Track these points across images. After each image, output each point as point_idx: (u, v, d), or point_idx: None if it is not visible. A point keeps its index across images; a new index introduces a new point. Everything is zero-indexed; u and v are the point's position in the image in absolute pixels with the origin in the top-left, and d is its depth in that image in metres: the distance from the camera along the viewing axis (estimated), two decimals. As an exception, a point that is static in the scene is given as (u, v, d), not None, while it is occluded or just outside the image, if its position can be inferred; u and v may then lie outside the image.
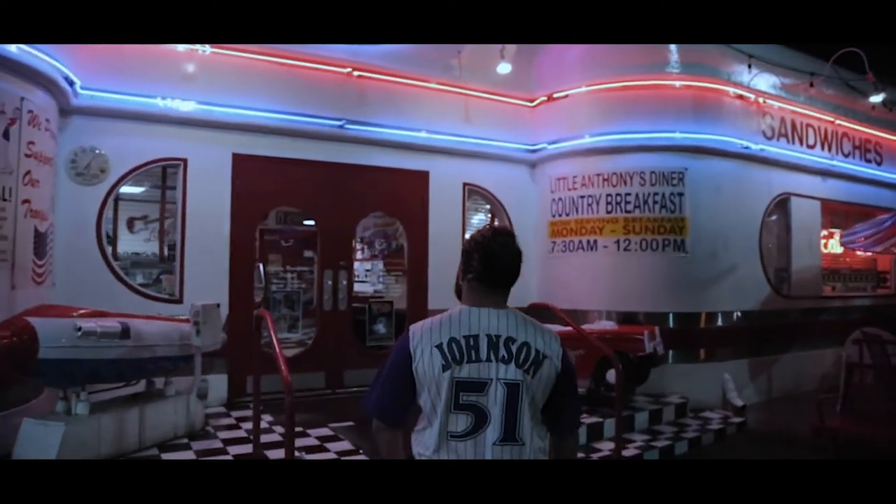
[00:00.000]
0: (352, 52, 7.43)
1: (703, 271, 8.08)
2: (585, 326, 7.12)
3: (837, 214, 10.47)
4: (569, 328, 6.40)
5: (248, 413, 5.91)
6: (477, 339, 2.03)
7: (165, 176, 7.15)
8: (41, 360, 4.25)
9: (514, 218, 8.78)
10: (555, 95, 8.65)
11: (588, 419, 6.39)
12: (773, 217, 9.19)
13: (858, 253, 10.52)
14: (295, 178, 7.36)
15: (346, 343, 7.62)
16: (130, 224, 10.21)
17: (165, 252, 7.71)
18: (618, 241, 8.12)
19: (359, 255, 10.74)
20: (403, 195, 8.07)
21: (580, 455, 5.63)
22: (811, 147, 9.48)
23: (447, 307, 2.18)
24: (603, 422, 6.38)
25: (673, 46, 8.09)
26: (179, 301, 6.56)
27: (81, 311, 4.71)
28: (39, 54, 5.24)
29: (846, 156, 10.08)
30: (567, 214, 8.56)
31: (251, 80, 6.95)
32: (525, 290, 7.58)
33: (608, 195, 8.20)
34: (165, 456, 5.03)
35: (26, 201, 5.09)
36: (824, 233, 10.14)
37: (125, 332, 4.77)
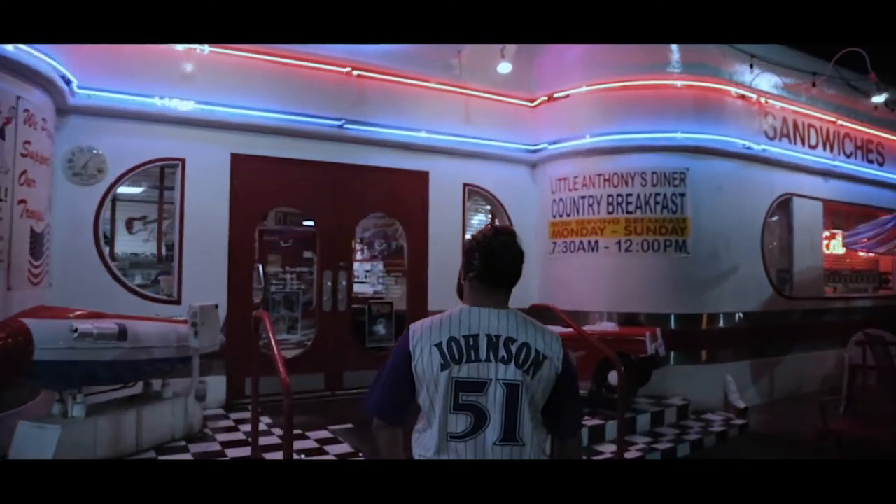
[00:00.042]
0: (351, 51, 7.39)
1: (705, 272, 8.03)
2: (586, 328, 7.07)
3: (839, 215, 10.43)
4: (570, 329, 6.34)
5: (247, 415, 5.84)
6: (476, 339, 2.03)
7: (163, 176, 7.10)
8: (36, 361, 4.20)
9: (514, 218, 8.73)
10: (555, 95, 8.61)
11: (589, 421, 6.34)
12: (775, 218, 9.14)
13: (860, 254, 10.50)
14: (294, 179, 7.31)
15: (345, 344, 7.57)
16: (129, 225, 10.17)
17: (163, 253, 7.65)
18: (619, 242, 8.08)
19: (358, 255, 10.69)
20: (403, 195, 8.02)
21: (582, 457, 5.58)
22: (813, 147, 9.44)
23: (447, 308, 2.16)
24: (604, 424, 6.33)
25: (674, 46, 8.05)
26: (177, 302, 6.52)
27: (78, 313, 4.66)
28: (36, 53, 5.19)
29: (848, 156, 10.03)
30: (568, 215, 8.51)
31: (250, 80, 6.91)
32: (526, 291, 7.52)
33: (609, 196, 8.16)
34: (163, 459, 4.98)
35: (22, 201, 5.04)
36: (826, 233, 10.09)
37: (122, 334, 4.72)
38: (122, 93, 6.25)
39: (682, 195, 7.95)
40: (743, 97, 8.42)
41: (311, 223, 8.91)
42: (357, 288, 9.37)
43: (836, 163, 9.75)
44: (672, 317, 7.96)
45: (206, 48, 6.65)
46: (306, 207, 7.99)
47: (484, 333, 2.04)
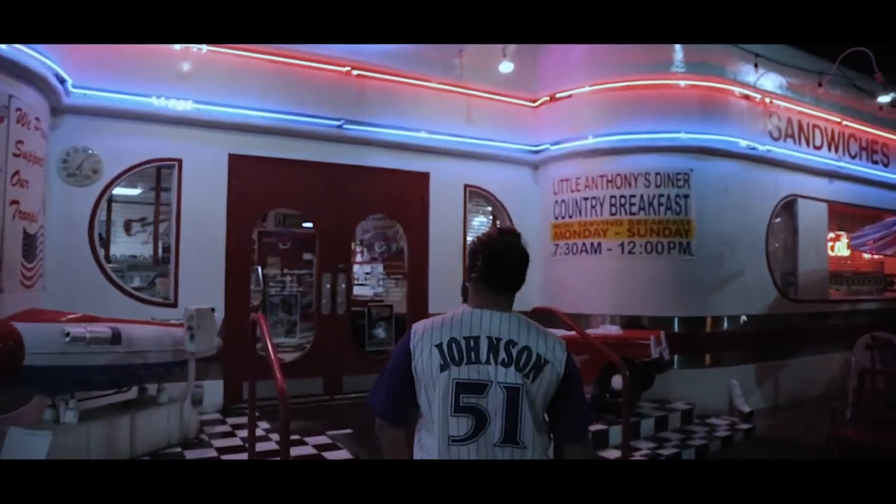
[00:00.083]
0: (351, 50, 7.29)
1: (709, 274, 7.93)
2: (589, 331, 6.97)
3: (844, 217, 10.32)
4: (573, 333, 6.25)
5: (245, 420, 5.73)
6: (477, 341, 2.02)
7: (160, 177, 6.99)
8: (27, 367, 4.09)
9: (516, 220, 8.63)
10: (558, 95, 8.51)
11: (593, 427, 6.23)
12: (778, 219, 9.03)
13: (865, 256, 10.41)
14: (292, 179, 7.22)
15: (344, 348, 7.46)
16: (128, 226, 10.06)
17: (160, 255, 7.55)
18: (622, 244, 7.97)
19: (358, 257, 10.60)
20: (403, 197, 7.92)
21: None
22: (818, 148, 9.34)
23: (447, 311, 2.13)
24: (608, 429, 6.23)
25: (678, 46, 7.95)
26: (174, 305, 6.41)
27: (70, 316, 4.55)
28: (29, 51, 5.09)
29: (853, 157, 9.93)
30: (570, 216, 8.41)
31: (248, 79, 6.81)
32: (527, 294, 7.37)
33: (612, 197, 8.05)
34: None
35: (14, 202, 4.94)
36: (831, 235, 9.99)
37: (116, 338, 4.61)
38: (117, 92, 6.15)
39: (686, 196, 7.85)
40: (747, 97, 8.33)
41: (310, 225, 8.81)
42: (357, 290, 9.29)
43: (842, 164, 9.65)
44: (675, 320, 7.85)
45: (204, 47, 6.55)
46: (305, 209, 7.89)
47: (485, 335, 2.03)
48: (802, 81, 9.01)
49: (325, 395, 7.24)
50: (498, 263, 2.07)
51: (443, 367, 2.00)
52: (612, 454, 5.93)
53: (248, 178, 6.90)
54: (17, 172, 4.96)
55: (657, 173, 7.89)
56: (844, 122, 9.76)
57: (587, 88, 8.23)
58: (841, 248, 10.31)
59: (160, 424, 5.24)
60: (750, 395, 7.99)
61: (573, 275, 8.30)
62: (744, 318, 8.18)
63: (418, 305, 7.87)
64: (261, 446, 5.29)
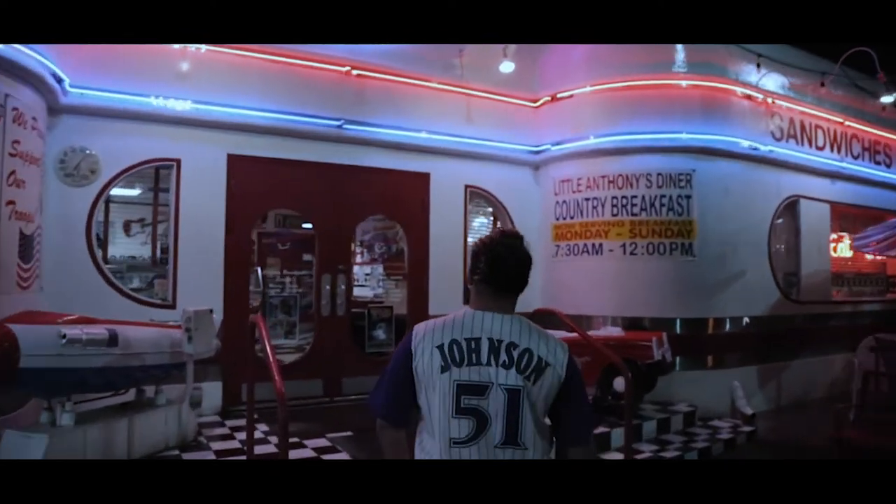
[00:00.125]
0: (351, 50, 7.24)
1: (711, 275, 7.88)
2: (591, 332, 6.91)
3: (846, 218, 10.28)
4: (574, 334, 6.22)
5: (244, 422, 5.68)
6: (478, 342, 2.02)
7: (158, 177, 6.94)
8: (22, 369, 4.04)
9: (516, 221, 8.58)
10: (559, 95, 8.46)
11: (595, 429, 6.18)
12: (780, 220, 8.96)
13: (867, 257, 10.36)
14: (292, 180, 7.17)
15: (344, 349, 7.41)
16: (127, 227, 10.01)
17: (158, 256, 7.50)
18: (624, 245, 7.92)
19: (358, 258, 10.54)
20: (403, 197, 7.87)
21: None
22: (820, 149, 9.29)
23: (448, 312, 2.12)
24: (610, 431, 6.18)
25: (679, 45, 7.89)
26: (172, 306, 6.36)
27: (67, 318, 4.51)
28: (26, 50, 5.04)
29: (856, 158, 9.88)
30: (571, 217, 8.36)
31: (247, 79, 6.76)
32: (528, 295, 7.31)
33: (614, 197, 8.00)
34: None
35: (11, 202, 4.89)
36: (833, 236, 9.94)
37: (113, 340, 4.55)
38: (115, 92, 6.10)
39: (689, 197, 7.80)
40: (749, 97, 8.28)
41: (310, 226, 8.76)
42: (357, 291, 9.24)
43: (844, 164, 9.60)
44: (678, 321, 7.79)
45: (203, 47, 6.50)
46: (304, 209, 7.84)
47: (486, 337, 2.02)
48: (804, 81, 8.96)
49: (324, 397, 7.19)
50: (500, 266, 2.07)
51: (444, 369, 2.00)
52: (615, 457, 5.88)
53: (247, 178, 6.85)
54: (13, 172, 4.91)
55: (659, 174, 7.83)
56: (847, 123, 9.71)
57: (588, 88, 8.18)
58: (843, 249, 10.25)
59: (158, 427, 5.19)
60: (752, 397, 7.93)
61: (574, 276, 8.24)
62: (746, 319, 8.13)
63: (418, 307, 7.81)
64: (259, 449, 5.24)
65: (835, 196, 9.61)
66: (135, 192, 8.45)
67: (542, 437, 2.05)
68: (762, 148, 8.28)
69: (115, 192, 7.13)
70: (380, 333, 8.04)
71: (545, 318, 6.62)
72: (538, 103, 8.70)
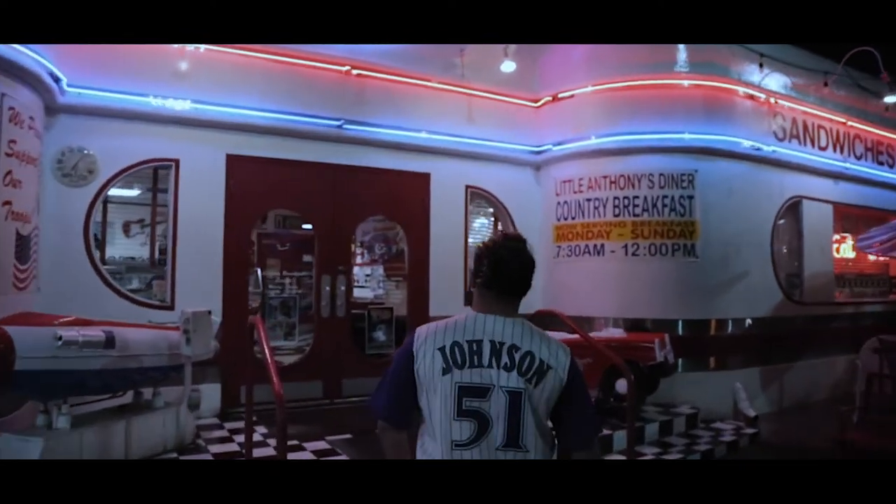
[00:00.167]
0: (351, 49, 7.19)
1: (714, 277, 7.82)
2: (593, 334, 6.86)
3: (849, 218, 10.21)
4: (576, 336, 6.17)
5: (243, 424, 5.64)
6: (480, 345, 2.01)
7: (157, 178, 6.89)
8: (18, 371, 3.99)
9: (517, 221, 8.53)
10: (560, 95, 8.41)
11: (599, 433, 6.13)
12: (782, 221, 8.89)
13: (870, 258, 10.31)
14: (291, 180, 7.12)
15: (344, 351, 7.36)
16: (126, 228, 9.97)
17: (156, 257, 7.45)
18: (625, 246, 7.87)
19: (358, 259, 10.49)
20: (404, 198, 7.82)
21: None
22: (823, 149, 9.23)
23: (448, 314, 2.12)
24: (612, 434, 6.12)
25: (681, 45, 7.84)
26: (171, 308, 6.31)
27: (63, 319, 4.46)
28: (22, 49, 4.99)
29: (858, 158, 9.83)
30: (573, 218, 8.31)
31: (246, 79, 6.71)
32: (529, 296, 7.25)
33: (615, 198, 7.95)
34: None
35: (7, 203, 4.84)
36: (836, 237, 9.88)
37: (110, 342, 4.51)
38: (113, 91, 6.05)
39: (691, 198, 7.74)
40: (752, 97, 8.23)
41: (310, 226, 8.71)
42: (357, 293, 9.18)
43: (847, 165, 9.55)
44: (680, 322, 7.74)
45: (202, 46, 6.46)
46: (304, 210, 7.79)
47: (488, 339, 2.02)
48: (807, 81, 8.91)
49: (324, 399, 7.14)
50: (503, 269, 2.07)
51: (445, 371, 1.99)
52: (617, 459, 5.82)
53: (246, 178, 6.81)
54: (9, 172, 4.87)
55: (661, 174, 7.78)
56: (850, 123, 9.66)
57: (590, 88, 8.14)
58: (846, 249, 10.19)
59: (156, 430, 5.14)
60: (755, 399, 7.88)
61: (576, 277, 8.19)
62: (748, 320, 8.07)
63: (419, 308, 7.77)
64: (258, 452, 5.21)
65: (837, 197, 9.56)
66: (134, 192, 8.41)
67: (544, 440, 2.04)
68: (765, 148, 8.23)
69: (114, 192, 7.08)
70: (380, 335, 7.99)
71: (546, 319, 6.57)
72: (539, 103, 8.65)
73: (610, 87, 8.00)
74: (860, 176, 9.80)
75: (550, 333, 2.18)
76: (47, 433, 4.39)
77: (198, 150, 6.55)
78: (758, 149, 8.15)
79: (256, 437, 5.62)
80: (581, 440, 2.14)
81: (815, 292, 9.09)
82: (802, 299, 8.92)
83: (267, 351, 4.14)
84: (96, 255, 6.25)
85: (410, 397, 2.07)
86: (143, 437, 4.98)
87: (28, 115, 5.18)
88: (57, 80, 5.62)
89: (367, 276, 10.42)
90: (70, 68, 5.77)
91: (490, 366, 2.00)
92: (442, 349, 2.02)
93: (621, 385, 6.33)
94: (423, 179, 7.89)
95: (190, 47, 6.40)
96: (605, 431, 6.14)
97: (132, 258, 9.21)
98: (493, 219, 9.00)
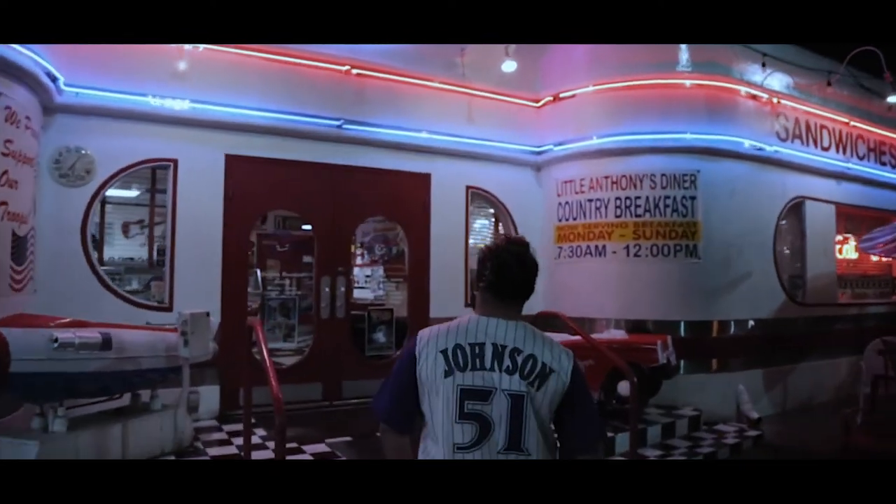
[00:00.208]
0: (350, 49, 7.14)
1: (716, 278, 7.77)
2: (594, 335, 6.80)
3: (851, 219, 10.16)
4: (577, 337, 6.13)
5: (242, 427, 5.59)
6: (482, 348, 2.01)
7: (155, 178, 6.83)
8: (13, 373, 3.94)
9: (518, 222, 8.48)
10: (561, 95, 8.36)
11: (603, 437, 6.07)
12: (784, 222, 8.83)
13: (873, 258, 10.26)
14: (290, 180, 7.07)
15: (344, 352, 7.30)
16: (126, 229, 9.92)
17: (155, 258, 7.39)
18: (627, 247, 7.81)
19: (358, 260, 10.43)
20: (404, 198, 7.76)
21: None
22: (826, 149, 9.18)
23: (449, 315, 2.11)
24: (614, 436, 6.06)
25: (683, 45, 7.79)
26: (169, 309, 6.25)
27: (59, 321, 4.41)
28: (19, 48, 4.93)
29: (861, 158, 9.78)
30: (574, 219, 8.25)
31: (245, 78, 6.66)
32: (531, 298, 7.27)
33: (617, 199, 7.90)
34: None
35: (3, 203, 4.78)
36: (839, 238, 9.83)
37: (106, 343, 4.46)
38: (111, 91, 6.00)
39: (693, 198, 7.69)
40: (754, 97, 8.17)
41: (309, 227, 8.66)
42: (357, 294, 9.13)
43: (850, 165, 9.50)
44: (682, 324, 7.69)
45: (201, 45, 6.40)
46: (303, 210, 7.73)
47: (490, 342, 2.02)
48: (810, 81, 8.87)
49: (324, 402, 7.08)
50: (506, 273, 2.07)
51: (447, 373, 1.99)
52: (619, 462, 5.77)
53: (245, 178, 6.75)
54: (5, 172, 4.81)
55: (663, 174, 7.73)
56: (852, 123, 9.62)
57: (591, 88, 8.09)
58: (849, 250, 10.14)
59: (153, 432, 5.08)
60: (757, 401, 7.82)
61: (577, 278, 8.14)
62: (751, 322, 8.01)
63: (419, 309, 7.71)
64: (257, 455, 5.16)
65: (840, 197, 9.50)
66: (133, 193, 8.37)
67: (546, 444, 2.03)
68: (767, 148, 8.18)
69: (114, 193, 7.05)
70: (380, 336, 7.93)
71: (548, 320, 6.53)
72: (540, 103, 8.60)
73: (612, 86, 7.95)
74: (863, 176, 9.75)
75: (552, 335, 2.16)
76: (43, 436, 4.34)
77: (196, 150, 6.50)
78: (760, 149, 8.10)
79: (255, 440, 5.57)
80: (585, 444, 2.12)
81: (817, 293, 9.03)
82: (805, 300, 8.87)
83: (265, 353, 4.08)
84: (94, 256, 6.19)
85: (412, 400, 2.07)
86: (141, 440, 4.93)
87: (24, 115, 5.12)
88: (54, 79, 5.57)
89: (368, 277, 10.36)
90: (67, 67, 5.73)
91: (492, 369, 1.99)
92: (444, 352, 2.01)
93: (623, 387, 6.28)
94: (424, 180, 7.84)
95: (188, 46, 6.34)
96: (608, 434, 6.09)
97: (131, 259, 9.16)
98: (493, 219, 8.95)
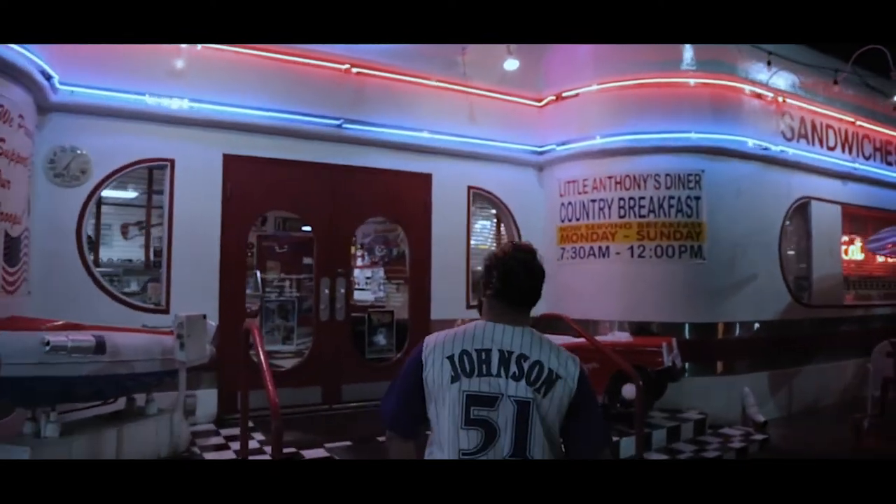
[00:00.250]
0: (350, 47, 7.03)
1: (721, 279, 7.66)
2: (598, 338, 6.68)
3: (857, 220, 10.04)
4: (581, 339, 6.04)
5: (239, 431, 5.50)
6: (489, 353, 2.01)
7: (152, 178, 6.74)
8: (3, 378, 3.83)
9: (520, 223, 8.38)
10: (564, 94, 8.25)
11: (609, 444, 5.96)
12: (788, 223, 8.71)
13: (878, 259, 10.16)
14: (289, 180, 6.97)
15: (343, 355, 7.19)
16: (125, 230, 9.84)
17: (152, 259, 7.30)
18: (631, 248, 7.71)
19: (358, 261, 10.34)
20: (404, 199, 7.66)
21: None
22: (831, 149, 9.08)
23: (450, 317, 2.08)
24: (619, 441, 5.95)
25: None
26: (166, 311, 6.15)
27: (52, 324, 4.31)
28: (12, 45, 4.84)
29: (867, 158, 9.67)
30: (577, 219, 8.15)
31: (243, 77, 6.56)
32: (533, 299, 7.18)
33: (621, 199, 7.79)
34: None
35: (-5, 203, 4.69)
36: (844, 238, 9.72)
37: (100, 347, 4.36)
38: (107, 89, 5.89)
39: (698, 198, 7.58)
40: (760, 96, 8.07)
41: (309, 228, 8.56)
42: (357, 295, 9.03)
43: (856, 165, 9.40)
44: (686, 326, 7.58)
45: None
46: (302, 211, 7.62)
47: (497, 348, 2.02)
48: (815, 80, 8.77)
49: (323, 405, 6.97)
50: (513, 280, 2.08)
51: (454, 379, 2.00)
52: (624, 467, 5.66)
53: (243, 178, 6.66)
54: (-3, 172, 4.72)
55: (667, 174, 7.63)
56: (858, 123, 9.51)
57: (594, 87, 7.98)
58: (855, 251, 10.03)
59: (149, 437, 4.99)
60: (763, 404, 7.71)
61: (580, 279, 8.03)
62: (756, 323, 7.91)
63: (420, 311, 7.60)
64: (254, 459, 5.04)
65: (846, 197, 9.40)
66: (132, 194, 8.30)
67: (552, 451, 2.02)
68: (773, 148, 8.08)
69: (113, 194, 6.95)
70: (380, 339, 7.82)
71: (551, 323, 6.43)
72: (543, 102, 8.49)
73: (615, 85, 7.85)
74: (869, 176, 9.65)
75: (556, 338, 2.09)
76: (34, 442, 4.26)
77: (194, 150, 6.40)
78: (766, 148, 8.00)
79: (253, 445, 5.48)
80: (591, 450, 2.10)
81: (823, 295, 8.93)
82: (811, 302, 8.76)
83: (262, 357, 3.99)
84: (90, 257, 6.09)
85: (418, 405, 2.08)
86: (136, 445, 4.83)
87: (18, 114, 5.03)
88: (48, 77, 5.47)
89: (368, 278, 10.27)
90: (62, 66, 5.63)
91: (499, 375, 1.99)
92: (451, 357, 2.02)
93: (628, 390, 6.17)
94: (425, 180, 7.74)
95: (186, 45, 6.25)
96: (613, 438, 5.98)
97: (130, 261, 9.08)
98: (495, 220, 8.84)
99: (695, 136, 7.60)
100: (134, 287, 7.57)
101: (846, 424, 6.51)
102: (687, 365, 7.15)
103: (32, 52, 5.13)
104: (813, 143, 8.79)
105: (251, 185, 6.71)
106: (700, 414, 7.14)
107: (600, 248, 7.91)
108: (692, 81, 7.70)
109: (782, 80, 8.36)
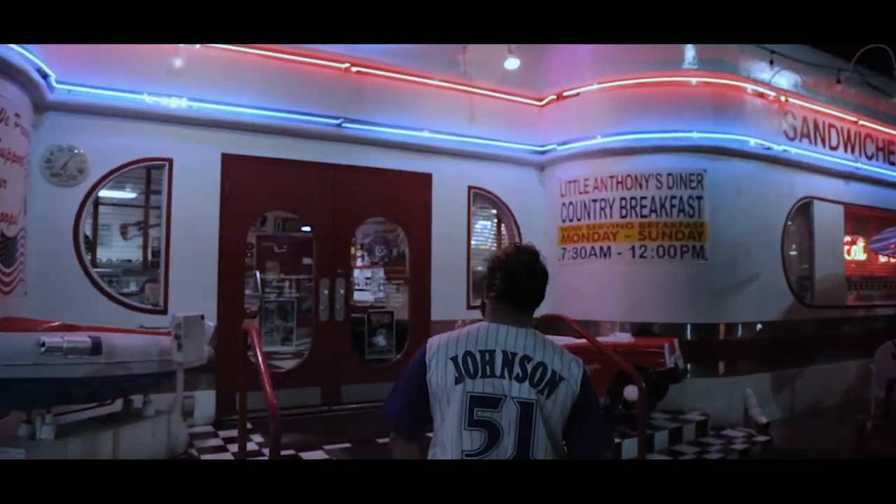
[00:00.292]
0: (350, 46, 6.98)
1: (723, 279, 7.61)
2: (600, 339, 6.64)
3: (859, 220, 9.99)
4: (583, 340, 6.00)
5: (237, 433, 5.45)
6: (493, 355, 2.02)
7: (150, 178, 6.69)
8: (-3, 379, 3.80)
9: (521, 223, 8.34)
10: (565, 94, 8.20)
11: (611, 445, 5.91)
12: (790, 223, 8.67)
13: (881, 259, 10.11)
14: (289, 180, 6.92)
15: (343, 356, 7.14)
16: (124, 230, 9.80)
17: (149, 259, 7.25)
18: (633, 248, 7.66)
19: (358, 262, 10.29)
20: (405, 198, 7.61)
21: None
22: (834, 148, 9.04)
23: (450, 318, 2.04)
24: (621, 442, 5.91)
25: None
26: (164, 312, 6.10)
27: (48, 325, 4.26)
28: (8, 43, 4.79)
29: (870, 158, 9.63)
30: (578, 219, 8.10)
31: (242, 76, 6.52)
32: (534, 300, 7.12)
33: (622, 199, 7.74)
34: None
35: (-10, 203, 4.64)
36: (847, 239, 9.67)
37: (96, 348, 4.31)
38: (104, 88, 5.85)
39: (700, 198, 7.54)
40: (762, 95, 8.03)
41: (309, 228, 8.52)
42: (357, 296, 8.98)
43: (858, 165, 9.35)
44: (688, 326, 7.54)
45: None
46: (302, 211, 7.57)
47: (500, 350, 2.03)
48: (818, 79, 8.72)
49: (322, 406, 6.92)
50: (516, 282, 2.08)
51: (457, 380, 2.00)
52: (626, 469, 5.62)
53: (242, 178, 6.61)
54: (-7, 171, 4.67)
55: (669, 174, 7.58)
56: (861, 122, 9.47)
57: (595, 86, 7.93)
58: (857, 251, 9.97)
59: (146, 439, 4.93)
60: (765, 405, 7.66)
61: (581, 280, 7.98)
62: (759, 324, 7.86)
63: (420, 311, 7.55)
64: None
65: (848, 197, 9.35)
66: (131, 194, 8.26)
67: (555, 453, 2.02)
68: (775, 147, 8.03)
69: (110, 194, 6.90)
70: (380, 339, 7.77)
71: (552, 323, 6.39)
72: (543, 102, 8.45)
73: (616, 84, 7.81)
74: (871, 176, 9.61)
75: (557, 338, 2.06)
76: (30, 444, 4.21)
77: (192, 149, 6.35)
78: (768, 148, 7.95)
79: (252, 446, 5.44)
80: (593, 452, 2.11)
81: (826, 295, 8.88)
82: (813, 302, 8.72)
83: (260, 359, 3.95)
84: (87, 257, 6.04)
85: (422, 407, 2.07)
86: (133, 447, 4.77)
87: (14, 112, 4.98)
88: (45, 76, 5.41)
89: (368, 279, 10.22)
90: (59, 64, 5.58)
91: (502, 376, 1.99)
92: (454, 359, 2.02)
93: (630, 391, 6.13)
94: (425, 180, 7.69)
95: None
96: (615, 440, 5.93)
97: (129, 261, 9.03)
98: (496, 221, 8.79)
99: (696, 136, 7.56)
100: (133, 287, 7.54)
101: (849, 426, 6.45)
102: (689, 366, 7.10)
103: (29, 51, 5.08)
104: (815, 143, 8.74)
105: (250, 184, 6.66)
106: (702, 415, 7.10)
107: (601, 248, 7.86)
108: (694, 80, 7.66)
109: (785, 79, 8.32)
